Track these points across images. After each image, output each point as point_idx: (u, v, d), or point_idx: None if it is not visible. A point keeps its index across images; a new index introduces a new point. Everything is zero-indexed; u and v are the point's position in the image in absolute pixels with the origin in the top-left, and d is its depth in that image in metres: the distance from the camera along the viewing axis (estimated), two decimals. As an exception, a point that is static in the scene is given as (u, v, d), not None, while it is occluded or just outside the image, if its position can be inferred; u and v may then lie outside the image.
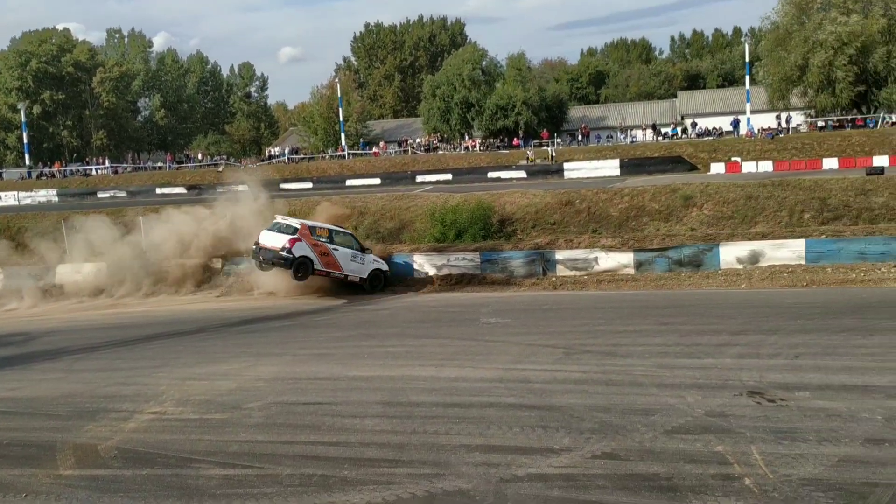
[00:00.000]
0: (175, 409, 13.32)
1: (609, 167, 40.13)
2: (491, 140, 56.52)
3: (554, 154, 45.22)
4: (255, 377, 15.00)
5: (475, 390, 13.25)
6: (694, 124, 55.80)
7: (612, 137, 56.89)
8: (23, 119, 62.26)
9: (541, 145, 50.96)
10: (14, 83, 66.30)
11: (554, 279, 23.50)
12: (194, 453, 11.23)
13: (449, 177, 43.75)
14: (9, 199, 52.08)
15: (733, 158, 38.85)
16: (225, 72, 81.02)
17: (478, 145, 55.69)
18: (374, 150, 57.78)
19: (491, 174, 42.79)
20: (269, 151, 66.69)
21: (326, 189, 44.61)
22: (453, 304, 21.56)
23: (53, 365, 17.15)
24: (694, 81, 75.76)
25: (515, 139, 55.03)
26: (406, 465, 10.28)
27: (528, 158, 46.00)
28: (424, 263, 24.60)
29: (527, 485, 9.46)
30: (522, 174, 42.02)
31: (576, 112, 63.19)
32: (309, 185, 47.32)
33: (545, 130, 54.80)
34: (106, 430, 12.40)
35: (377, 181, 45.71)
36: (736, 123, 51.36)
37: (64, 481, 10.57)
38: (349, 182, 46.56)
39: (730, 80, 74.34)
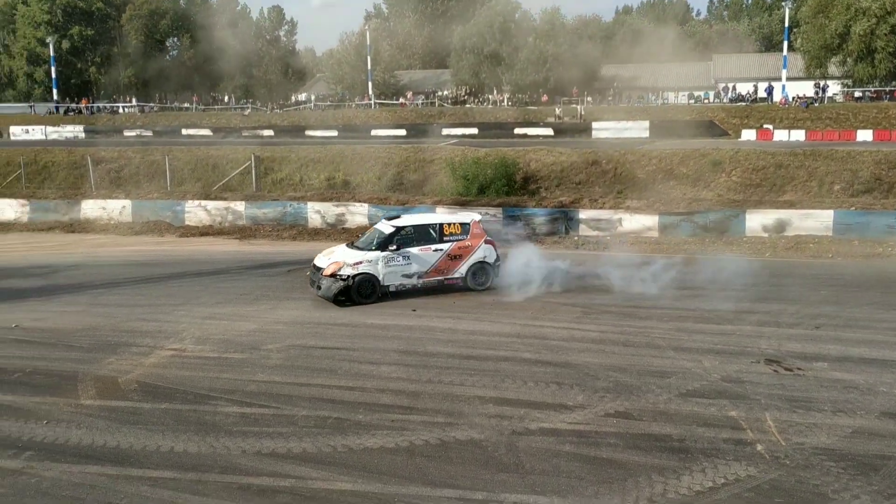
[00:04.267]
0: (195, 347, 13.52)
1: (638, 128, 39.45)
2: (519, 95, 55.83)
3: (583, 112, 44.53)
4: (274, 320, 15.15)
5: (492, 344, 13.31)
6: (726, 89, 54.68)
7: (643, 98, 55.92)
8: (51, 54, 62.11)
9: (570, 103, 50.22)
10: (43, 17, 66.04)
11: (576, 238, 23.35)
12: (212, 391, 11.42)
13: (475, 131, 43.26)
14: (36, 133, 52.33)
15: (765, 126, 38.07)
16: (254, 14, 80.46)
17: (506, 100, 55.01)
18: (401, 100, 57.27)
19: (517, 130, 42.23)
20: (296, 97, 66.38)
21: (351, 138, 44.41)
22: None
23: (76, 298, 17.42)
24: (730, 44, 74.00)
25: (544, 95, 54.33)
26: (420, 412, 10.40)
27: (555, 116, 45.37)
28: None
29: (539, 438, 9.54)
30: (549, 131, 41.45)
31: (608, 71, 61.98)
32: (334, 133, 47.09)
33: (575, 88, 54.00)
34: (126, 364, 12.63)
35: (402, 132, 45.32)
36: (770, 90, 50.15)
37: (84, 411, 10.81)
38: (374, 132, 46.20)
39: (767, 44, 72.36)
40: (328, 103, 59.48)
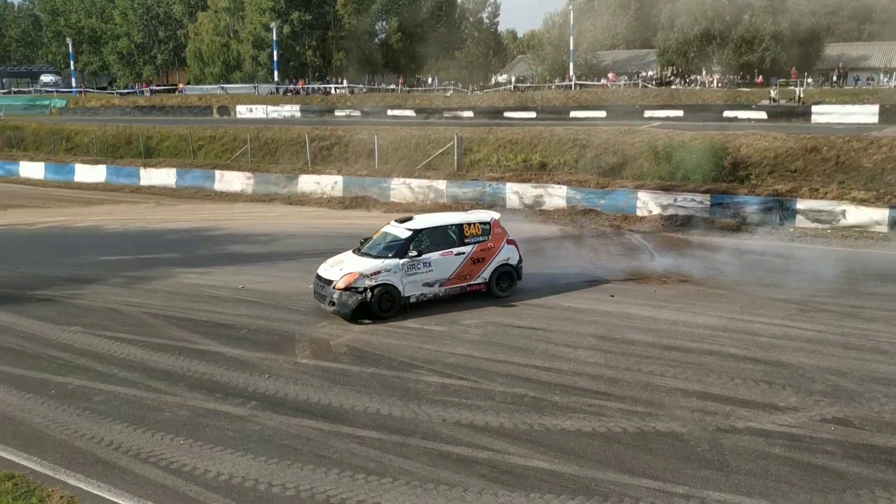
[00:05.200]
0: (400, 318, 14.12)
1: (865, 113, 35.85)
2: (730, 76, 52.68)
3: (801, 95, 41.20)
4: (473, 296, 15.38)
5: (696, 336, 12.75)
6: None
7: (872, 80, 50.74)
8: (274, 38, 67.32)
9: (787, 84, 46.69)
10: (268, 3, 71.46)
11: (791, 230, 21.70)
12: (415, 360, 11.91)
13: (680, 113, 41.47)
14: (259, 111, 56.99)
15: None
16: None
17: (715, 81, 52.08)
18: (602, 81, 56.05)
19: (727, 113, 39.93)
20: (496, 79, 67.02)
21: (550, 119, 44.17)
22: (677, 245, 20.73)
23: (293, 265, 18.77)
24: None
25: (759, 77, 50.89)
26: (618, 399, 10.21)
27: (770, 98, 42.34)
28: (649, 202, 23.68)
29: (746, 438, 9.05)
30: (762, 115, 38.80)
31: (832, 50, 56.82)
32: (532, 114, 47.09)
33: (794, 68, 50.08)
34: (338, 329, 13.49)
35: (602, 114, 44.40)
36: None
37: (301, 368, 11.69)
38: (573, 113, 45.66)
39: None
40: (527, 85, 59.51)
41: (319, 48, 74.46)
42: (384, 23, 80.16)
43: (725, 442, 8.97)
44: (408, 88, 63.13)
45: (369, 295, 13.81)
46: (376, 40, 79.82)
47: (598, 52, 62.62)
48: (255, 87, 66.79)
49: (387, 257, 14.30)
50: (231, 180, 32.22)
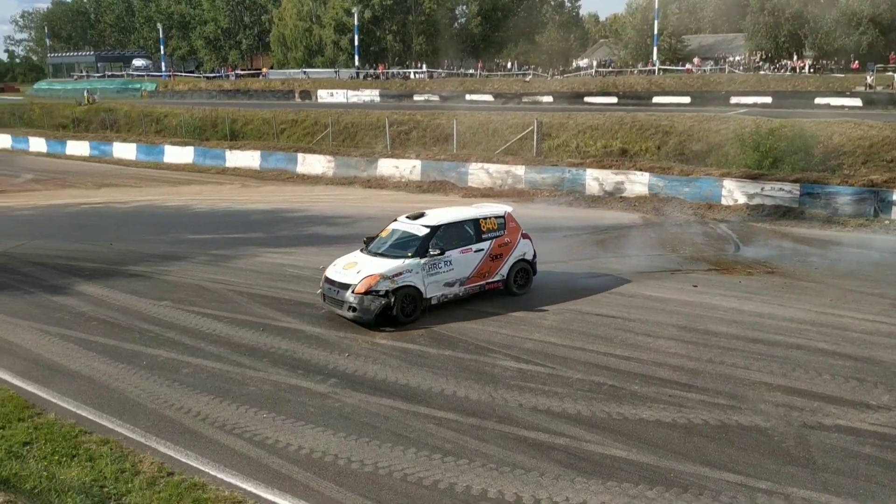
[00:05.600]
0: (476, 302, 14.16)
1: (971, 100, 34.03)
2: (823, 62, 50.49)
3: (900, 81, 39.36)
4: (551, 283, 15.31)
5: (781, 329, 12.35)
6: None
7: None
8: (355, 23, 68.11)
9: (884, 70, 44.48)
10: (351, -12, 72.59)
11: (887, 222, 20.70)
12: (491, 344, 11.94)
13: (768, 100, 40.08)
14: (339, 96, 57.85)
15: None
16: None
17: (807, 67, 50.03)
18: (687, 66, 54.56)
19: (818, 100, 38.40)
20: (577, 63, 66.08)
21: (632, 105, 43.32)
22: (764, 235, 20.10)
23: (372, 247, 18.96)
24: None
25: (855, 62, 48.60)
26: (699, 391, 10.00)
27: (866, 84, 40.48)
28: (735, 190, 22.95)
29: (834, 436, 8.74)
30: (857, 102, 37.13)
31: (935, 33, 53.93)
32: (614, 99, 46.29)
33: (893, 53, 47.63)
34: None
35: (687, 100, 43.31)
36: None
37: (379, 349, 11.87)
38: (656, 99, 44.71)
39: None
40: (609, 69, 58.46)
41: (400, 33, 74.92)
42: (464, 7, 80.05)
43: (812, 439, 8.68)
44: (487, 73, 62.86)
45: (392, 298, 12.66)
46: (456, 25, 79.80)
47: (683, 36, 60.93)
48: (336, 72, 67.81)
49: (406, 257, 13.12)
50: (312, 163, 32.84)
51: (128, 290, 15.45)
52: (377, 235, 14.21)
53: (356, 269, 12.98)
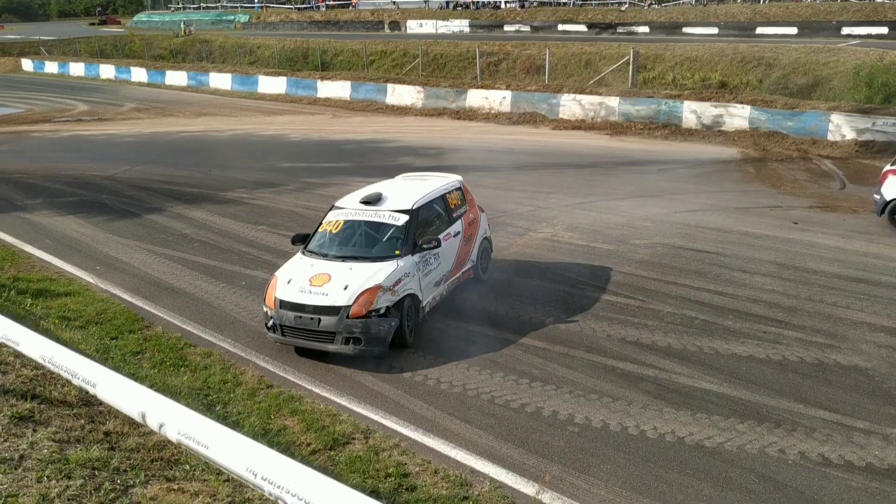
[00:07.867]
0: (565, 234, 14.08)
1: None
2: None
3: None
4: (643, 216, 15.07)
5: (887, 269, 11.80)
6: None
7: None
8: (447, -49, 66.98)
9: None
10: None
11: None
12: (580, 275, 11.88)
13: (884, 31, 37.50)
14: (428, 26, 57.28)
15: None
16: None
17: (931, -7, 46.40)
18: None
19: (942, 30, 35.82)
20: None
21: (733, 36, 41.26)
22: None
23: (464, 176, 18.95)
24: None
25: None
26: (796, 328, 9.72)
27: None
28: (843, 125, 21.64)
29: (941, 379, 8.38)
30: None
31: None
32: (714, 30, 44.22)
33: None
34: (503, 241, 13.60)
35: (793, 30, 40.98)
36: None
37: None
38: (760, 30, 42.47)
39: None
40: (710, -2, 55.64)
41: (492, -40, 73.00)
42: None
43: (916, 381, 8.36)
44: (581, 2, 60.81)
45: (398, 315, 9.25)
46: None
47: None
48: (425, 2, 66.88)
49: (393, 256, 9.63)
50: (402, 94, 32.81)
51: (226, 215, 16.03)
52: (314, 231, 10.44)
53: (335, 283, 9.20)
